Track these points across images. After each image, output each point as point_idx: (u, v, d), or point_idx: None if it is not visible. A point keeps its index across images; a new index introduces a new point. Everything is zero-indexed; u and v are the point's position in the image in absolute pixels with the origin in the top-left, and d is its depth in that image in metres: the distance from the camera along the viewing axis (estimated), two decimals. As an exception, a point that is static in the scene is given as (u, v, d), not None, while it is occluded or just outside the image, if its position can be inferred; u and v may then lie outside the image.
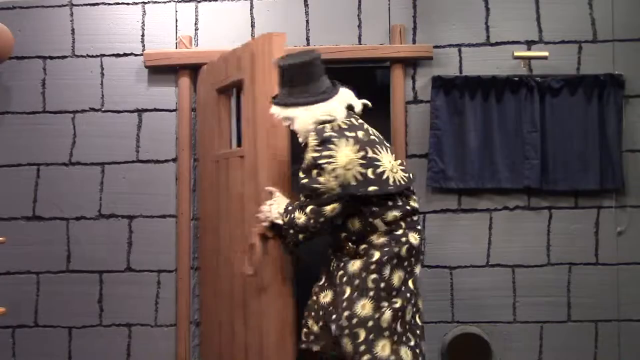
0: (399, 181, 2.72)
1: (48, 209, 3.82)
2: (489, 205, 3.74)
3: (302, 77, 2.77)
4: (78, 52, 3.86)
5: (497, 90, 3.69)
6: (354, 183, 2.64)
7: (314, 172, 2.67)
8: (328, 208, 2.67)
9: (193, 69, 3.80)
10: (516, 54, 3.67)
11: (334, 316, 2.76)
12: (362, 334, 2.62)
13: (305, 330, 2.98)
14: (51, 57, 3.86)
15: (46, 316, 3.79)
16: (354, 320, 2.64)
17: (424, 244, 2.85)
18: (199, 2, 3.85)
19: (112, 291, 3.78)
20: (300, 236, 2.77)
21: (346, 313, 2.67)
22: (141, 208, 3.80)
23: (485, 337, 3.62)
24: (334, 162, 2.63)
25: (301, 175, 2.73)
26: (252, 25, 3.83)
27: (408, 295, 2.71)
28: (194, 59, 3.75)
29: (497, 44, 3.76)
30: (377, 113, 3.65)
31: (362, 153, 2.66)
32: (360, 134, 2.72)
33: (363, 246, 2.75)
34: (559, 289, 3.71)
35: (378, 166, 2.68)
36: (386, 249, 2.70)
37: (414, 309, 2.77)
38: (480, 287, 3.71)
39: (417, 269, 2.79)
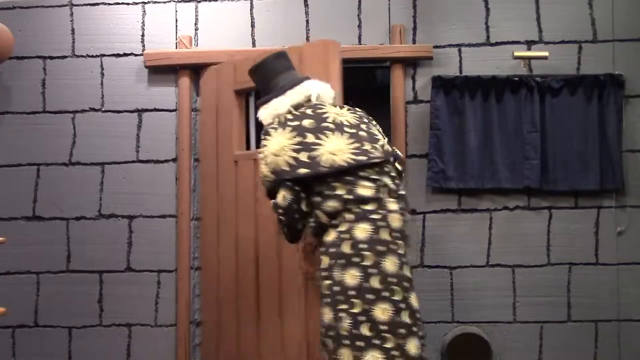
0: (339, 163, 2.55)
1: (48, 209, 3.82)
2: (489, 205, 3.74)
3: (265, 78, 2.83)
4: (78, 52, 3.86)
5: (497, 90, 3.69)
6: (286, 168, 2.57)
7: None
8: (278, 198, 2.62)
9: (193, 69, 3.80)
10: (516, 54, 3.67)
11: None
12: (330, 343, 2.53)
13: None
14: (51, 57, 3.86)
15: (46, 316, 3.79)
16: (322, 330, 2.57)
17: (394, 236, 2.56)
18: (199, 2, 3.85)
19: (112, 291, 3.78)
20: (285, 230, 2.71)
21: (321, 322, 2.61)
22: (141, 208, 3.80)
23: (485, 337, 3.62)
24: (265, 150, 2.63)
25: None
26: (252, 26, 3.83)
27: (371, 295, 2.48)
28: (194, 59, 3.76)
29: (497, 44, 3.77)
30: (377, 113, 3.67)
31: (298, 139, 2.59)
32: (307, 122, 2.64)
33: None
34: (559, 289, 3.71)
35: (315, 149, 2.57)
36: (332, 249, 2.56)
37: (399, 306, 2.51)
38: (480, 287, 3.71)
39: (388, 262, 2.51)
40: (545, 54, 3.66)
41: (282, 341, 3.29)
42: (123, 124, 3.83)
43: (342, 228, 2.56)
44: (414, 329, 2.53)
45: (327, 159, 2.55)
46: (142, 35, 3.85)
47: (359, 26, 3.80)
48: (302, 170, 2.56)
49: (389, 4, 3.80)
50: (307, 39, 3.80)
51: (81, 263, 3.80)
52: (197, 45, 3.84)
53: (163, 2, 3.86)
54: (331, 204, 2.56)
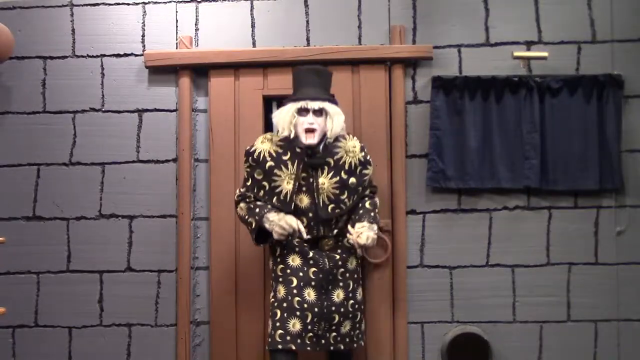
0: None
1: (48, 209, 3.82)
2: (488, 205, 3.74)
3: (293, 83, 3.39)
4: (78, 52, 3.87)
5: (496, 90, 3.69)
6: None
7: None
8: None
9: (194, 69, 3.80)
10: (516, 54, 3.68)
11: None
12: None
13: None
14: (51, 57, 3.86)
15: (46, 316, 3.79)
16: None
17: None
18: (200, 2, 3.85)
19: (112, 291, 3.78)
20: None
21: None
22: (141, 208, 3.80)
23: (485, 337, 3.62)
24: None
25: None
26: (253, 26, 3.84)
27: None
28: (194, 59, 3.76)
29: (496, 44, 3.78)
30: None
31: None
32: None
33: None
34: (559, 289, 3.71)
35: None
36: None
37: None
38: (480, 287, 3.72)
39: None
40: (545, 54, 3.67)
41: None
42: (123, 124, 3.83)
43: None
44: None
45: None
46: (143, 36, 3.86)
47: (359, 26, 3.81)
48: None
49: (388, 5, 3.81)
50: (307, 39, 3.80)
51: (81, 263, 3.79)
52: (197, 45, 3.84)
53: (163, 2, 3.86)
54: None
